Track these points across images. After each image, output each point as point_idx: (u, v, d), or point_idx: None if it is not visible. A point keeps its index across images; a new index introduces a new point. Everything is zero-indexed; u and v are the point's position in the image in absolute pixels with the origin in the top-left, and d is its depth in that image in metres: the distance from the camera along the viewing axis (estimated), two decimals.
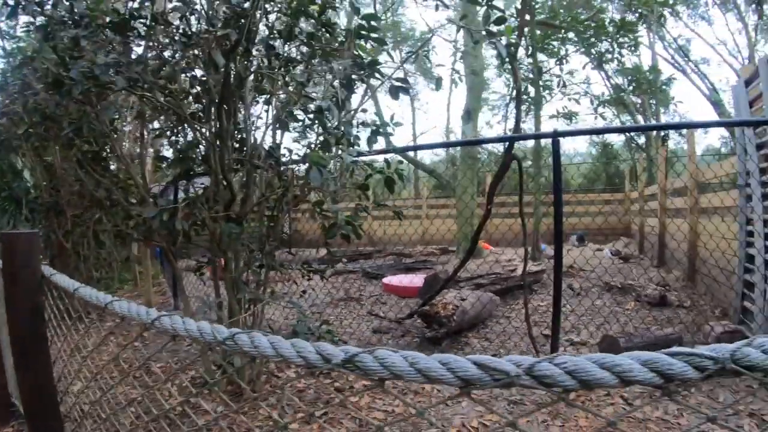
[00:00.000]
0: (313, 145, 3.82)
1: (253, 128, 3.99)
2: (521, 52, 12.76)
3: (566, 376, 0.77)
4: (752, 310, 5.19)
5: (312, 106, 3.86)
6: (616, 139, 24.80)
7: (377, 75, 3.87)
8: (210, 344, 1.19)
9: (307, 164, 3.26)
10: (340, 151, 3.59)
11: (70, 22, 3.47)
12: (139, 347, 4.98)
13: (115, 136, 4.34)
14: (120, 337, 5.47)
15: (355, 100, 4.32)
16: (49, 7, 3.54)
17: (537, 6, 13.37)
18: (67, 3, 3.51)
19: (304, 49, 3.95)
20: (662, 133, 18.42)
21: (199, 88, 3.82)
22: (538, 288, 8.50)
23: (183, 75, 3.83)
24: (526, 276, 5.53)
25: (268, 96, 4.09)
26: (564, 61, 13.91)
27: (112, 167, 4.91)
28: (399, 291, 8.42)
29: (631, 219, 15.91)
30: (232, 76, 3.63)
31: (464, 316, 5.60)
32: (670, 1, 15.53)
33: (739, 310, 5.64)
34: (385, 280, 9.25)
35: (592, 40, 13.43)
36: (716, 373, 0.72)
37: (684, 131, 13.97)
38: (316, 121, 3.81)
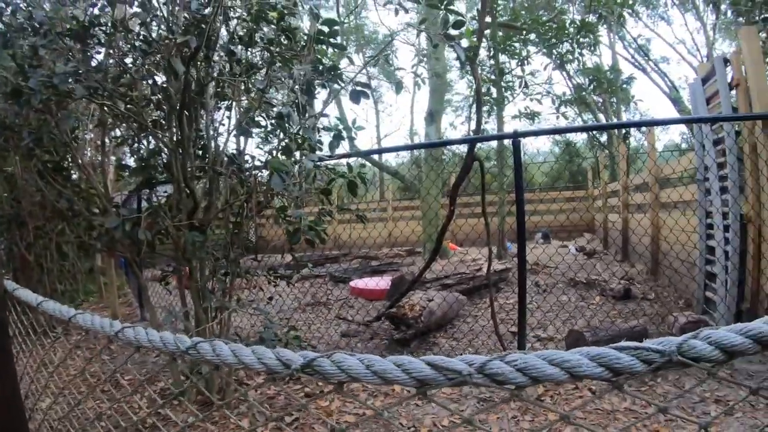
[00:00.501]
0: (275, 151, 3.81)
1: (215, 135, 3.98)
2: (483, 53, 12.89)
3: (517, 374, 0.80)
4: (714, 299, 5.33)
5: (273, 112, 3.86)
6: (579, 138, 25.16)
7: (338, 79, 3.89)
8: (173, 354, 1.19)
9: (269, 170, 3.27)
10: (303, 157, 3.59)
11: (29, 30, 3.42)
12: (106, 360, 4.92)
13: (76, 145, 4.27)
14: (87, 351, 5.39)
15: (319, 104, 4.33)
16: (7, 14, 3.49)
17: (498, 8, 13.49)
18: (26, 10, 3.46)
19: (266, 54, 3.94)
20: (623, 131, 18.70)
21: (160, 96, 3.79)
22: (504, 286, 8.58)
23: (144, 82, 3.80)
24: (491, 275, 5.59)
25: (230, 102, 4.08)
26: (526, 62, 14.02)
27: (74, 177, 4.84)
28: (366, 294, 8.41)
29: (594, 215, 16.14)
30: (193, 82, 3.61)
31: (431, 317, 5.63)
32: (630, 2, 15.77)
33: (702, 300, 5.78)
34: (353, 283, 9.23)
35: (554, 41, 13.58)
36: (664, 365, 0.75)
37: (644, 128, 14.23)
38: (278, 127, 3.81)
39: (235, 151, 3.98)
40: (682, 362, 0.73)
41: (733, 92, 5.27)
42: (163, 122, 3.82)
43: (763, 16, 9.05)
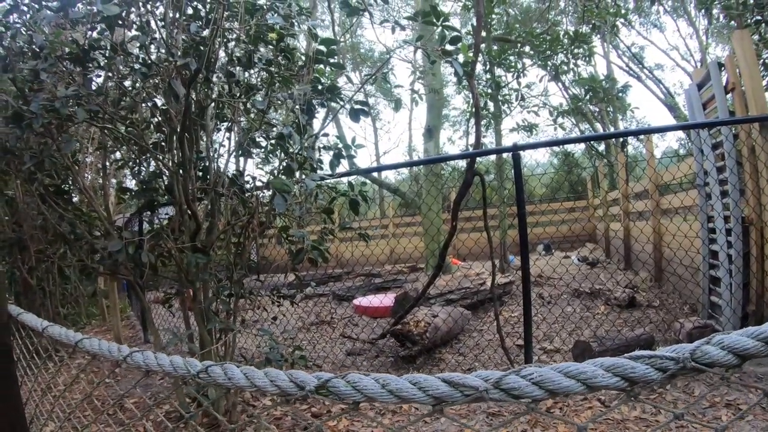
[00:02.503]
0: (276, 171, 3.82)
1: (216, 156, 3.98)
2: (479, 68, 12.94)
3: (533, 387, 0.79)
4: (720, 304, 5.31)
5: (273, 132, 3.87)
6: (577, 148, 25.20)
7: (337, 98, 3.90)
8: (184, 378, 1.18)
9: (271, 190, 3.27)
10: (304, 177, 3.59)
11: (29, 54, 3.44)
12: (111, 383, 4.89)
13: (77, 168, 4.28)
14: (91, 374, 5.37)
15: (317, 124, 4.34)
16: (7, 38, 3.50)
17: (493, 22, 13.56)
18: (26, 34, 3.48)
19: (264, 75, 3.96)
20: (621, 139, 18.71)
21: (160, 118, 3.80)
22: (508, 299, 8.55)
23: (144, 105, 3.81)
24: (496, 288, 5.57)
25: (230, 123, 4.09)
26: (521, 74, 14.08)
27: (76, 200, 4.84)
28: (370, 312, 8.38)
29: (595, 225, 16.13)
30: (193, 104, 3.62)
31: (437, 333, 5.61)
32: (623, 11, 15.86)
33: (707, 305, 5.77)
34: (356, 301, 9.21)
35: (548, 52, 13.64)
36: (678, 372, 0.75)
37: (642, 136, 14.24)
38: (278, 147, 3.82)
39: (236, 172, 3.98)
40: (696, 368, 0.73)
41: (729, 96, 5.29)
42: (164, 144, 3.83)
43: (755, 18, 9.09)
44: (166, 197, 3.90)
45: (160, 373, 1.26)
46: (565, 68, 14.40)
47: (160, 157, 3.77)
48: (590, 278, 8.61)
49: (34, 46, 3.39)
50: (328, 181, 4.04)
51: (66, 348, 1.63)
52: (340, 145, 3.86)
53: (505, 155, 12.22)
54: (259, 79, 4.06)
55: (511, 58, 13.92)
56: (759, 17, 9.02)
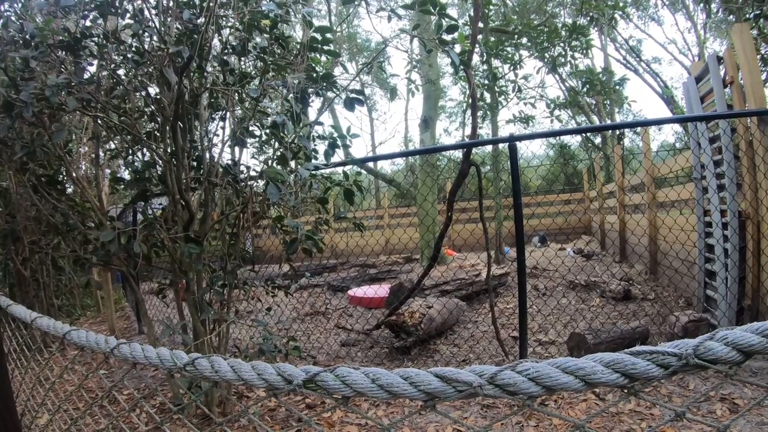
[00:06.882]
0: (270, 161, 3.79)
1: (210, 145, 3.95)
2: (476, 58, 12.91)
3: (530, 383, 0.77)
4: (715, 298, 5.31)
5: (267, 121, 3.83)
6: (573, 140, 25.24)
7: (332, 87, 3.86)
8: (171, 370, 1.16)
9: (265, 180, 3.24)
10: (298, 166, 3.56)
11: (20, 42, 3.39)
12: (105, 374, 4.87)
13: (70, 158, 4.24)
14: (83, 366, 5.34)
15: (312, 113, 4.30)
16: None
17: (490, 13, 13.51)
18: (17, 23, 3.43)
19: (259, 63, 3.92)
20: (617, 132, 18.72)
21: (153, 107, 3.76)
22: (503, 291, 8.55)
23: (137, 94, 3.77)
24: (491, 280, 5.56)
25: (224, 112, 4.05)
26: (518, 66, 14.06)
27: (69, 190, 4.80)
28: (365, 302, 8.39)
29: (591, 217, 16.14)
30: (186, 93, 3.58)
31: (431, 324, 5.60)
32: (621, 4, 15.82)
33: (703, 298, 5.77)
34: (351, 292, 9.21)
35: (545, 44, 13.61)
36: (681, 368, 0.72)
37: (638, 129, 14.24)
38: (273, 136, 3.78)
39: (230, 162, 3.95)
40: (699, 365, 0.71)
41: (727, 90, 5.27)
42: (157, 134, 3.79)
43: (754, 13, 9.05)
44: (159, 187, 3.87)
45: (147, 365, 1.23)
46: (563, 60, 14.38)
47: (154, 147, 3.73)
48: (585, 270, 8.61)
49: (25, 35, 3.34)
50: (322, 170, 4.01)
51: (56, 340, 1.60)
52: (336, 135, 3.82)
53: (501, 146, 12.22)
54: (253, 68, 4.02)
55: (508, 49, 13.88)
56: (758, 11, 8.99)
